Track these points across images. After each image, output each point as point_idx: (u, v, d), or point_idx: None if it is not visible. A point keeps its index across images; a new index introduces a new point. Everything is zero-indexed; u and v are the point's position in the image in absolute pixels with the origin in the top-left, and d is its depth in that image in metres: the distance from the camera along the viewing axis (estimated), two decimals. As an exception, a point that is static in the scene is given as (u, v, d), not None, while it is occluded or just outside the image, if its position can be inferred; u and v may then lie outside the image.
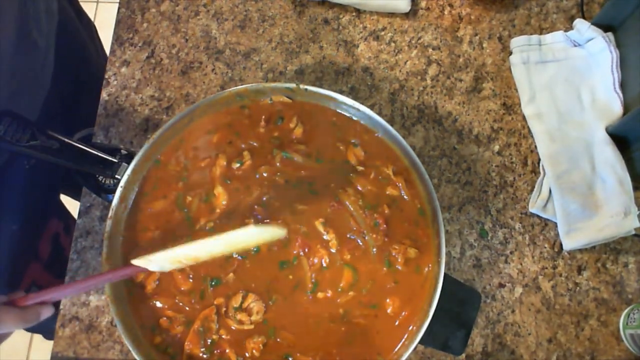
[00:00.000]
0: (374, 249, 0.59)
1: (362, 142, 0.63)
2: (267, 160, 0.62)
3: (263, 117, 0.64)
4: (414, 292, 0.58)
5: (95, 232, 0.74)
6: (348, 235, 0.60)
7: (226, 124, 0.64)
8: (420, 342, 0.55)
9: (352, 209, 0.60)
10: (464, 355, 0.71)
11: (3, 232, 0.72)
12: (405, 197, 0.61)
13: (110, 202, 0.58)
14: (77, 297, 0.71)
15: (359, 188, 0.61)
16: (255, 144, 0.63)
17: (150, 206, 0.60)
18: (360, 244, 0.60)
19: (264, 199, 0.60)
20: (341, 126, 0.64)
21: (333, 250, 0.59)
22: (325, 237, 0.59)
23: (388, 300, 0.58)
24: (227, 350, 0.57)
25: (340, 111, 0.64)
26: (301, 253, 0.59)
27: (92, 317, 0.71)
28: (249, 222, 0.59)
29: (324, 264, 0.59)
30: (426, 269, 0.59)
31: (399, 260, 0.59)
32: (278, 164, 0.62)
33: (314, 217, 0.60)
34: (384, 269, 0.59)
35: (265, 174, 0.61)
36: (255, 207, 0.60)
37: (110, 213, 0.57)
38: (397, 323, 0.57)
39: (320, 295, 0.58)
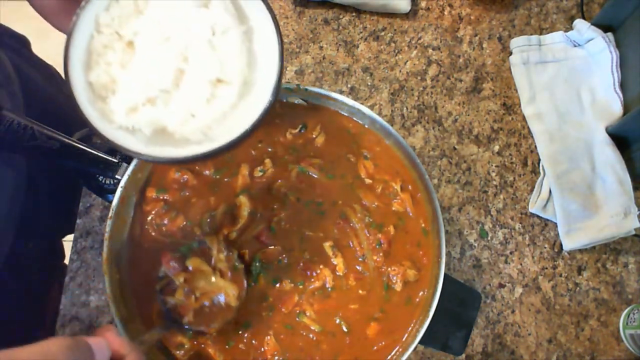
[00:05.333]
0: (373, 271, 0.59)
1: (374, 154, 0.63)
2: (284, 175, 0.61)
3: (290, 125, 0.62)
4: (399, 323, 0.57)
5: (95, 232, 0.74)
6: (350, 245, 0.59)
7: None
8: (420, 342, 0.55)
9: (357, 227, 0.60)
10: (464, 355, 0.71)
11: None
12: (410, 213, 0.61)
13: (110, 202, 0.58)
14: (77, 297, 0.71)
15: (366, 203, 0.61)
16: (271, 149, 0.62)
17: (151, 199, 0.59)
18: (360, 269, 0.59)
19: (275, 219, 0.59)
20: (356, 135, 0.63)
21: (339, 273, 0.58)
22: (334, 261, 0.58)
23: (372, 323, 0.58)
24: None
25: (356, 119, 0.63)
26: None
27: (92, 317, 0.71)
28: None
29: (328, 285, 0.58)
30: (421, 294, 0.59)
31: (398, 282, 0.58)
32: (294, 179, 0.61)
33: (321, 240, 0.59)
34: (383, 291, 0.58)
35: (282, 189, 0.60)
36: (263, 232, 0.59)
37: (110, 213, 0.57)
38: (375, 348, 0.57)
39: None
